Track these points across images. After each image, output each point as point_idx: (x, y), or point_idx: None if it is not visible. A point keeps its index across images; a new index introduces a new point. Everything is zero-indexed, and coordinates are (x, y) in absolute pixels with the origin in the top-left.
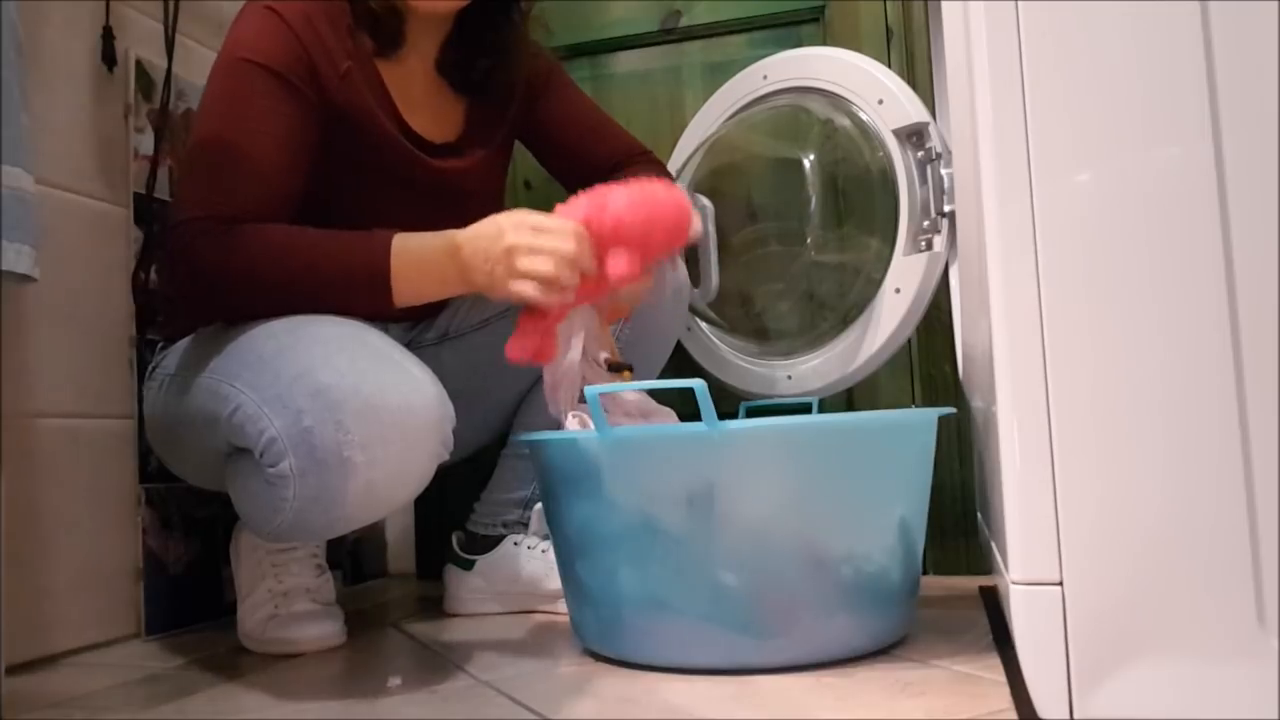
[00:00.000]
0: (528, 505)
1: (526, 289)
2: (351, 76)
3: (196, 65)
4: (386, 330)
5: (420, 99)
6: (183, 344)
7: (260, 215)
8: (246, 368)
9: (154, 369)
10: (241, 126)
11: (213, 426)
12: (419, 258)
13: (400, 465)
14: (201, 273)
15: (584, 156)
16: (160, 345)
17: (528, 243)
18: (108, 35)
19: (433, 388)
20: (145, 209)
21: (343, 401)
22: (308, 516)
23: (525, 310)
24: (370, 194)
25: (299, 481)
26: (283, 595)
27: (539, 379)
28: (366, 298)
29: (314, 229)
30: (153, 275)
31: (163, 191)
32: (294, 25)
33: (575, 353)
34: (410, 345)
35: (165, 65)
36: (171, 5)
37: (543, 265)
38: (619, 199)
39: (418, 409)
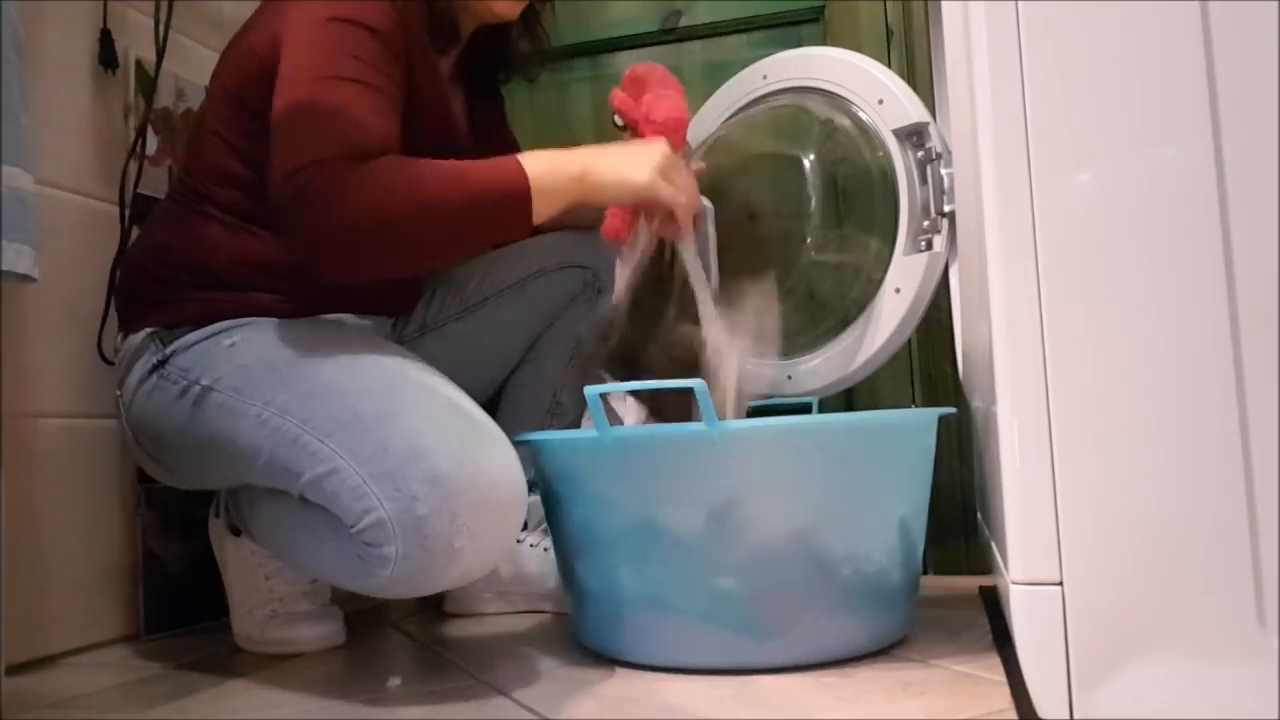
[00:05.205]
0: (530, 489)
1: (668, 193)
2: (438, 68)
3: (196, 65)
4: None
5: (451, 98)
6: (213, 351)
7: (394, 150)
8: (342, 428)
9: (163, 364)
10: (359, 71)
11: (276, 470)
12: (548, 164)
13: (496, 548)
14: (337, 212)
15: None
16: (152, 332)
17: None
18: (105, 37)
19: (517, 464)
20: (145, 209)
21: (459, 493)
22: (392, 590)
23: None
24: None
25: (400, 564)
26: (279, 600)
27: (519, 364)
28: (509, 218)
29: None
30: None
31: (146, 188)
32: (397, 4)
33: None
34: (398, 342)
35: (170, 68)
36: (165, 4)
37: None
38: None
39: (519, 497)
